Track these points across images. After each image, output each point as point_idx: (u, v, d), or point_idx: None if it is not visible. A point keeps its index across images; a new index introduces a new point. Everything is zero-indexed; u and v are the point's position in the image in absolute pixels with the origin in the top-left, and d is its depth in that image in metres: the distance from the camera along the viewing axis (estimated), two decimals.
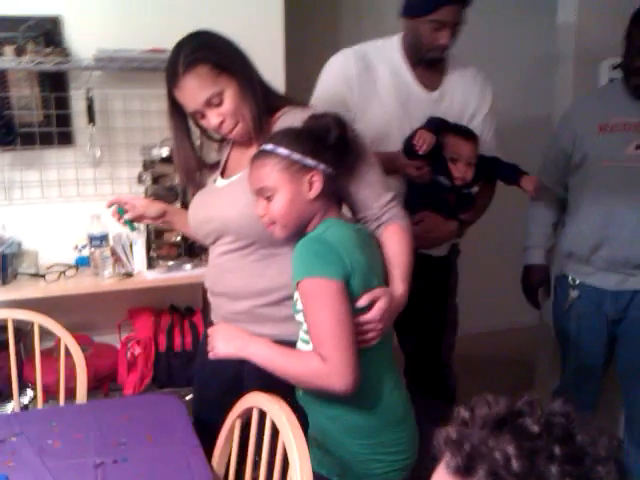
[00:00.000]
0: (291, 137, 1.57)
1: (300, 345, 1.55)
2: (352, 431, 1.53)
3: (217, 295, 1.82)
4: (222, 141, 1.91)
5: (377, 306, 1.51)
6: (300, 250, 1.50)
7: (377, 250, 1.64)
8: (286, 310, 1.64)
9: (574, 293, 2.50)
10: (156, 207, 1.99)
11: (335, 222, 1.57)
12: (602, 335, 2.48)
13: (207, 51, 1.66)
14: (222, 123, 1.70)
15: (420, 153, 2.13)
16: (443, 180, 2.21)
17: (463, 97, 2.29)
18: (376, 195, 1.71)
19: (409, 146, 2.16)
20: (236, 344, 1.57)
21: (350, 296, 1.46)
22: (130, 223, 1.97)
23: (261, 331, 1.66)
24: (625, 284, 2.39)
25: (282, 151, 1.54)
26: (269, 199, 1.55)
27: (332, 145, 1.57)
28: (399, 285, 1.63)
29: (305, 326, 1.50)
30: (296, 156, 1.54)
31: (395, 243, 1.67)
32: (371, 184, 1.71)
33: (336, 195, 1.64)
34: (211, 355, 1.61)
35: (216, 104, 1.67)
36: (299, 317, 1.52)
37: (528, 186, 2.26)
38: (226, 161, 1.87)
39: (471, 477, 0.73)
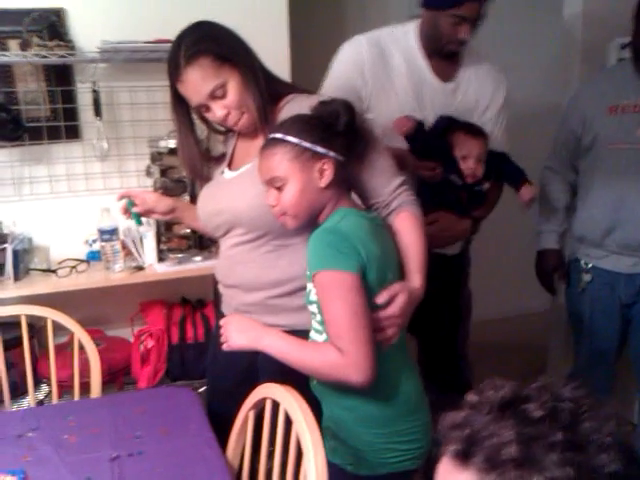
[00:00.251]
0: (300, 124, 1.55)
1: (313, 335, 1.55)
2: (367, 421, 1.53)
3: (229, 287, 1.82)
4: (227, 133, 1.90)
5: (396, 302, 1.50)
6: (314, 242, 1.48)
7: (390, 239, 1.62)
8: (299, 300, 1.63)
9: (587, 277, 2.48)
10: (165, 202, 1.98)
11: (349, 211, 1.54)
12: (615, 318, 2.47)
13: (208, 42, 1.64)
14: (227, 115, 1.68)
15: (406, 138, 2.12)
16: (454, 178, 2.19)
17: (477, 90, 2.26)
18: (385, 181, 1.69)
19: (415, 145, 2.15)
20: (250, 335, 1.56)
21: (366, 288, 1.44)
22: (137, 217, 1.95)
23: (275, 322, 1.66)
24: (639, 267, 2.37)
25: (292, 139, 1.52)
26: (280, 189, 1.53)
27: (342, 131, 1.55)
28: (416, 278, 1.62)
29: (318, 317, 1.50)
30: (306, 144, 1.52)
31: (408, 232, 1.65)
32: (381, 171, 1.69)
33: (347, 183, 1.61)
34: (225, 347, 1.60)
35: (220, 96, 1.65)
36: (312, 308, 1.52)
37: (525, 196, 2.22)
38: (232, 153, 1.85)
39: (470, 462, 0.72)
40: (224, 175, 1.81)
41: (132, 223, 2.49)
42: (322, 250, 1.46)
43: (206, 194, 1.85)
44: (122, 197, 1.96)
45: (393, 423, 1.54)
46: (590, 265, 2.48)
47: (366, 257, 1.44)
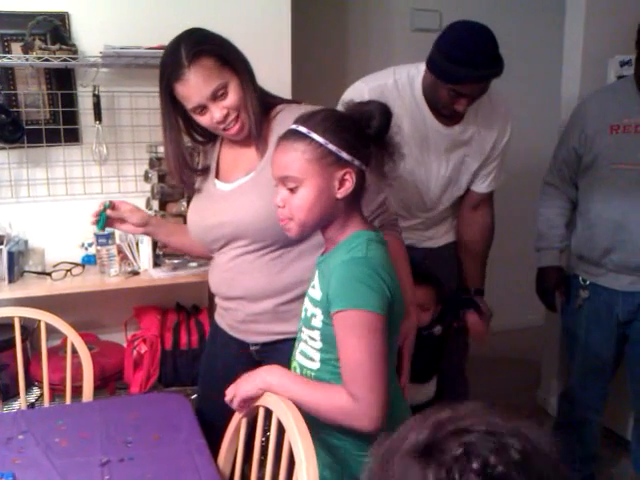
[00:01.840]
0: (330, 123, 1.40)
1: (302, 361, 1.50)
2: (365, 444, 1.48)
3: (233, 299, 1.80)
4: (208, 144, 1.88)
5: (407, 350, 1.60)
6: (345, 273, 1.37)
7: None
8: None
9: (584, 293, 2.48)
10: (140, 215, 1.95)
11: (368, 236, 1.43)
12: (612, 336, 2.47)
13: (210, 44, 1.66)
14: (225, 117, 1.67)
15: None
16: (430, 331, 2.25)
17: (483, 130, 2.23)
18: (371, 197, 1.66)
19: None
20: (254, 380, 1.50)
21: (389, 321, 1.38)
22: (103, 220, 1.90)
23: (285, 329, 1.67)
24: (637, 285, 2.37)
25: (317, 138, 1.38)
26: (292, 191, 1.40)
27: (372, 137, 1.42)
28: (411, 310, 1.70)
29: (319, 344, 1.44)
30: (332, 147, 1.37)
31: (397, 261, 1.60)
32: (369, 187, 1.68)
33: (362, 194, 1.48)
34: (236, 404, 1.54)
35: (221, 96, 1.65)
36: (312, 334, 1.45)
37: (476, 327, 2.33)
38: (217, 164, 1.84)
39: None
40: (217, 187, 1.80)
41: None
42: (352, 285, 1.35)
43: (199, 207, 1.82)
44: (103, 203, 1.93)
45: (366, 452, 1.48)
46: (588, 282, 2.48)
47: (392, 292, 1.37)
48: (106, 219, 1.91)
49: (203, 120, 1.71)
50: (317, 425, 1.42)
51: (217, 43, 1.68)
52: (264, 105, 1.73)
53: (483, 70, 1.97)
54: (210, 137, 1.86)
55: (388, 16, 3.83)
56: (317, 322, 1.42)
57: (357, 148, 1.40)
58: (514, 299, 3.89)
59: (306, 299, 1.51)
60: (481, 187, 2.35)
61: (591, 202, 2.42)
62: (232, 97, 1.66)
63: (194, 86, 1.64)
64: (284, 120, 1.65)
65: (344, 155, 1.38)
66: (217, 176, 1.83)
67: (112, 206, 1.91)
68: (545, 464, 0.71)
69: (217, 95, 1.65)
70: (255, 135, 1.70)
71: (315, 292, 1.45)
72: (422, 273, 2.16)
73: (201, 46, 1.63)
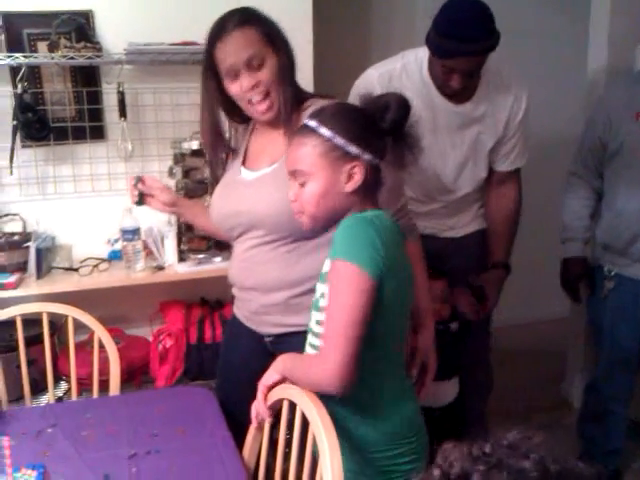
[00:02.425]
0: (339, 116, 1.41)
1: (309, 350, 1.51)
2: (366, 443, 1.46)
3: (247, 289, 1.81)
4: (244, 123, 1.89)
5: (430, 374, 1.72)
6: (347, 228, 1.37)
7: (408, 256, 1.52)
8: None
9: (610, 284, 2.46)
10: (169, 194, 1.98)
11: (381, 213, 1.42)
12: (637, 327, 2.45)
13: (259, 21, 1.69)
14: (253, 88, 1.68)
15: None
16: (448, 325, 2.24)
17: (495, 108, 2.22)
18: (393, 199, 1.68)
19: None
20: (273, 371, 1.52)
21: (380, 298, 1.35)
22: (140, 197, 1.94)
23: (298, 321, 1.67)
24: None
25: (325, 132, 1.38)
26: (302, 185, 1.42)
27: (386, 129, 1.41)
28: (427, 320, 1.77)
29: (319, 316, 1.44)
30: (339, 140, 1.37)
31: (415, 266, 1.59)
32: (392, 187, 1.65)
33: (377, 187, 1.48)
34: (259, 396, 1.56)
35: (255, 67, 1.66)
36: (320, 316, 1.43)
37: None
38: (246, 149, 1.86)
39: None
40: (242, 175, 1.81)
41: (154, 224, 2.55)
42: (352, 237, 1.35)
43: (222, 194, 1.84)
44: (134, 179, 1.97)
45: (394, 444, 1.46)
46: (613, 272, 2.46)
47: (389, 265, 1.34)
48: (141, 195, 1.95)
49: (233, 88, 1.71)
50: (343, 418, 1.43)
51: (267, 22, 1.71)
52: (298, 97, 1.73)
53: (470, 44, 1.95)
54: (245, 118, 1.86)
55: (411, 5, 3.81)
56: (325, 301, 1.40)
57: (367, 141, 1.39)
58: (539, 291, 3.86)
59: (318, 281, 1.50)
60: (503, 166, 2.32)
61: (617, 190, 2.40)
62: (266, 72, 1.67)
63: (233, 46, 1.66)
64: None
65: (352, 149, 1.38)
66: (244, 163, 1.83)
67: (142, 181, 1.94)
68: None
69: (252, 64, 1.66)
70: (284, 120, 1.70)
71: (325, 266, 1.44)
72: (437, 267, 2.17)
73: (251, 17, 1.68)
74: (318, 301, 1.46)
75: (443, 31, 1.99)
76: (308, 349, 1.52)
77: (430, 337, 1.80)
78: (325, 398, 1.41)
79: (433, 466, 0.73)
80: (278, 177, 1.65)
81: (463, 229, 2.41)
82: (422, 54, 2.17)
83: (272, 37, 1.69)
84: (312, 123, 1.41)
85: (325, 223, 1.46)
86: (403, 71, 2.18)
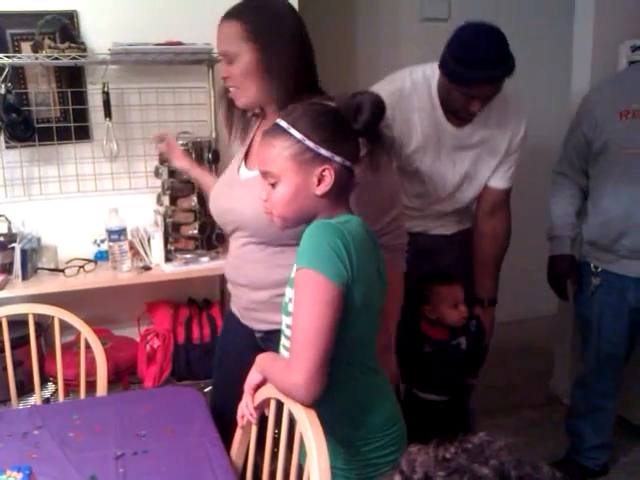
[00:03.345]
0: (311, 117, 1.38)
1: (283, 352, 1.51)
2: (344, 441, 1.46)
3: (238, 286, 1.84)
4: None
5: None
6: (312, 233, 1.35)
7: (383, 262, 1.50)
8: None
9: (596, 280, 2.48)
10: (186, 161, 2.25)
11: (352, 218, 1.40)
12: (624, 323, 2.47)
13: (252, 15, 1.68)
14: (226, 79, 1.75)
15: None
16: (427, 348, 2.32)
17: (495, 130, 2.23)
18: (378, 213, 1.70)
19: None
20: (254, 371, 1.54)
21: (349, 303, 1.34)
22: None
23: (280, 319, 1.68)
24: None
25: (295, 133, 1.36)
26: (273, 186, 1.40)
27: (359, 131, 1.38)
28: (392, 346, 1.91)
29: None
30: (309, 143, 1.35)
31: (390, 297, 1.59)
32: (378, 200, 1.67)
33: (349, 190, 1.45)
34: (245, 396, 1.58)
35: (228, 61, 1.71)
36: (289, 320, 1.42)
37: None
38: (249, 147, 1.86)
39: None
40: (239, 173, 1.83)
41: (140, 224, 2.54)
42: (317, 246, 1.32)
43: (220, 191, 1.87)
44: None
45: (369, 440, 1.46)
46: (600, 269, 2.48)
47: (356, 272, 1.32)
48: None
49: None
50: (329, 419, 1.43)
51: (261, 18, 1.68)
52: (293, 94, 1.65)
53: (492, 71, 1.97)
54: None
55: (396, 5, 3.82)
56: (292, 306, 1.39)
57: (339, 144, 1.36)
58: (527, 288, 3.88)
59: (287, 285, 1.48)
60: (500, 182, 2.32)
61: (602, 188, 2.41)
62: (237, 68, 1.70)
63: (218, 36, 1.73)
64: None
65: (323, 151, 1.35)
66: (246, 160, 1.85)
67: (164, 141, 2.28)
68: None
69: (225, 56, 1.72)
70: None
71: (293, 271, 1.41)
72: (447, 274, 2.26)
73: (239, 11, 1.70)
74: (287, 305, 1.44)
75: (464, 59, 1.97)
76: (282, 351, 1.51)
77: (394, 360, 1.97)
78: None
79: (395, 471, 0.72)
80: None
81: (452, 227, 2.43)
82: (429, 72, 2.17)
83: (257, 33, 1.67)
84: (283, 123, 1.38)
85: (295, 224, 1.45)
86: (413, 91, 2.16)
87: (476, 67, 1.96)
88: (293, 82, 1.67)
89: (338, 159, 1.37)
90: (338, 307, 1.31)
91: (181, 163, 2.25)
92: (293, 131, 1.37)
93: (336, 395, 1.40)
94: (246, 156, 1.85)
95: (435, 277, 2.30)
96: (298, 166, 1.36)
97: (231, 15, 1.70)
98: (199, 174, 2.23)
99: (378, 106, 1.39)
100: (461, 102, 2.06)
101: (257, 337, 1.85)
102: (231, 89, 1.75)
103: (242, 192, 1.75)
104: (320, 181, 1.37)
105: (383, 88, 2.13)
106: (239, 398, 1.64)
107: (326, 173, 1.36)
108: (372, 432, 1.47)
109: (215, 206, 1.88)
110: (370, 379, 1.50)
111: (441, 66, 2.07)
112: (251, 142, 1.86)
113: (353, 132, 1.39)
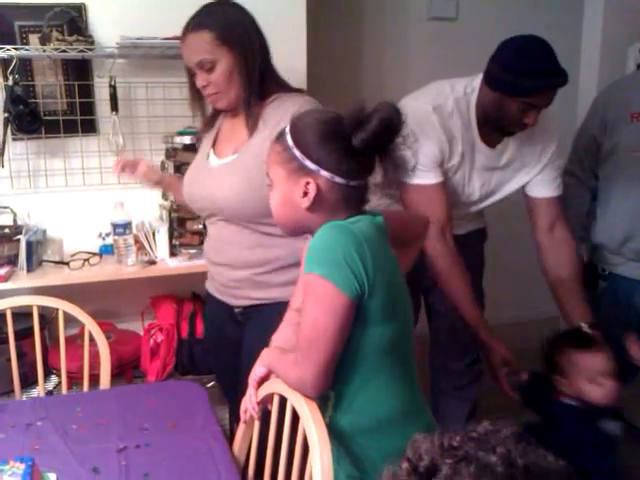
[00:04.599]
0: (309, 127, 1.33)
1: None
2: (364, 431, 1.43)
3: (219, 265, 1.91)
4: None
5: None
6: (321, 237, 1.30)
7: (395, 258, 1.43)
8: (284, 276, 1.76)
9: (603, 283, 2.47)
10: (153, 175, 2.20)
11: (361, 217, 1.34)
12: (631, 326, 2.45)
13: (218, 21, 1.75)
14: (205, 87, 1.79)
15: None
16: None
17: (525, 148, 2.20)
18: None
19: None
20: (259, 364, 1.54)
21: (366, 314, 1.30)
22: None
23: (262, 295, 1.81)
24: None
25: (289, 140, 1.32)
26: (269, 187, 1.39)
27: (357, 148, 1.29)
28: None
29: None
30: (296, 152, 1.31)
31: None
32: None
33: (355, 206, 1.37)
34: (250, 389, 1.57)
35: (207, 69, 1.76)
36: None
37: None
38: (217, 133, 1.93)
39: None
40: (209, 160, 1.90)
41: (146, 218, 2.55)
42: (327, 252, 1.27)
43: (191, 177, 1.94)
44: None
45: (386, 431, 1.41)
46: (607, 272, 2.46)
47: (372, 282, 1.27)
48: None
49: (195, 81, 1.82)
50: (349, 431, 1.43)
51: (227, 22, 1.76)
52: (263, 91, 1.80)
53: (553, 78, 1.95)
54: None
55: (404, 4, 3.80)
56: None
57: (329, 158, 1.30)
58: (531, 290, 3.85)
59: None
60: (549, 190, 2.26)
61: (611, 190, 2.40)
62: (217, 75, 1.76)
63: (188, 49, 1.79)
64: (279, 106, 1.75)
65: (307, 163, 1.30)
66: (214, 147, 1.92)
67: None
68: None
69: (203, 66, 1.76)
70: (245, 111, 1.78)
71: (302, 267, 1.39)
72: (587, 336, 2.02)
73: (207, 19, 1.76)
74: None
75: (526, 69, 1.94)
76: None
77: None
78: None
79: (402, 458, 0.73)
80: (238, 167, 1.76)
81: (464, 228, 2.41)
82: (469, 89, 2.13)
83: (228, 37, 1.74)
84: (287, 129, 1.36)
85: (294, 232, 1.44)
86: (455, 110, 2.12)
87: (539, 75, 1.93)
88: (264, 75, 1.79)
89: (325, 173, 1.30)
90: (348, 317, 1.28)
91: (148, 179, 2.21)
92: (288, 137, 1.34)
93: (354, 411, 1.41)
94: (214, 144, 1.92)
95: (570, 340, 2.02)
96: (287, 174, 1.33)
97: (197, 26, 1.76)
98: (169, 182, 2.27)
99: (387, 125, 1.28)
100: (517, 115, 2.01)
101: (236, 312, 1.92)
102: (207, 93, 1.81)
103: (212, 179, 1.83)
104: (304, 194, 1.32)
105: (427, 103, 2.11)
106: (225, 365, 1.70)
107: (309, 187, 1.31)
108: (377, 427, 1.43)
109: (188, 193, 1.94)
110: (404, 395, 1.44)
111: (492, 82, 2.03)
112: (219, 130, 1.93)
113: (351, 148, 1.30)
